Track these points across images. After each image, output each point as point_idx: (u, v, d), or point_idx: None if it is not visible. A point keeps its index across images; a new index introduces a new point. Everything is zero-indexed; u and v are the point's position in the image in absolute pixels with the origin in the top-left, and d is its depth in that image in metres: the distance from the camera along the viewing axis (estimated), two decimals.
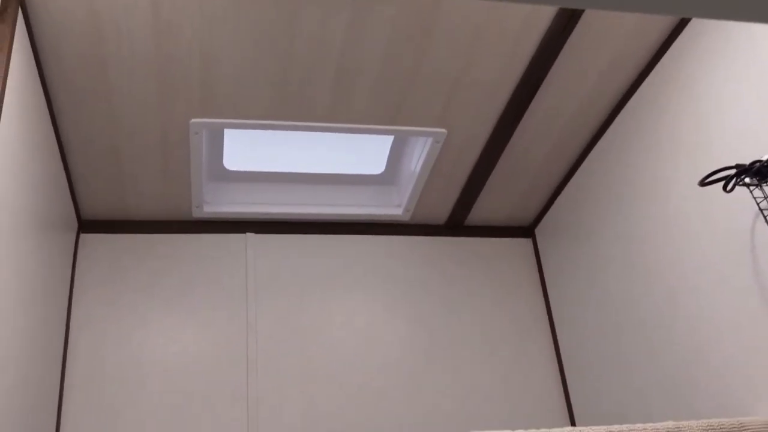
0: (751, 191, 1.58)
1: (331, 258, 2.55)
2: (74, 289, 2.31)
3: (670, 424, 1.36)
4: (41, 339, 1.92)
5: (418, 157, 2.37)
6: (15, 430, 1.64)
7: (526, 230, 2.79)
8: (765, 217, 1.56)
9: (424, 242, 2.67)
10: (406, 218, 2.62)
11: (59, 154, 2.07)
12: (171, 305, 2.36)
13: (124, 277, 2.37)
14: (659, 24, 1.94)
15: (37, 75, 1.80)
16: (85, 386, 2.18)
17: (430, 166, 2.34)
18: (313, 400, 2.30)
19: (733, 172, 1.58)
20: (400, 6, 1.80)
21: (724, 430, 1.36)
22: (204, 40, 1.82)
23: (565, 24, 1.85)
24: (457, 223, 2.69)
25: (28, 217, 1.75)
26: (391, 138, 2.44)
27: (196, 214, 2.45)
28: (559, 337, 2.55)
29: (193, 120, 2.06)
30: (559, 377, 2.52)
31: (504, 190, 2.55)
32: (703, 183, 1.61)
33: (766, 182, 1.55)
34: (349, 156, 2.54)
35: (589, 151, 2.34)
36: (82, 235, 2.41)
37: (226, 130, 2.26)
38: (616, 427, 1.34)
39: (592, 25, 1.92)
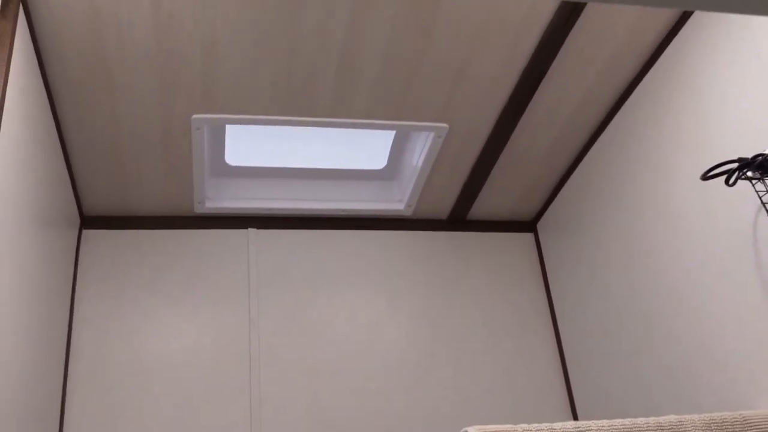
0: (753, 185, 1.58)
1: (334, 253, 2.55)
2: (77, 285, 2.31)
3: (673, 418, 1.36)
4: (44, 335, 1.92)
5: (420, 151, 2.37)
6: (19, 426, 1.65)
7: (528, 225, 2.79)
8: (767, 211, 1.55)
9: (426, 237, 2.67)
10: (408, 213, 2.62)
11: (61, 150, 2.07)
12: (173, 301, 2.36)
13: (127, 273, 2.37)
14: (661, 18, 1.94)
15: (39, 71, 1.80)
16: (88, 382, 2.19)
17: (432, 160, 2.34)
18: (316, 394, 2.30)
19: (735, 165, 1.57)
20: (402, 0, 1.79)
21: (726, 424, 1.37)
22: (205, 35, 1.82)
23: (566, 18, 1.85)
24: (459, 218, 2.69)
25: (30, 214, 1.75)
26: (392, 133, 2.44)
27: (198, 209, 2.46)
28: (561, 332, 2.55)
29: (195, 116, 2.06)
30: (561, 371, 2.52)
31: (506, 184, 2.55)
32: (705, 177, 1.61)
33: None
34: (350, 151, 2.54)
35: (591, 146, 2.34)
36: (85, 231, 2.41)
37: (227, 126, 2.26)
38: (618, 421, 1.34)
39: (593, 19, 1.92)
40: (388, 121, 2.18)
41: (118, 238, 2.43)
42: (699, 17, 1.86)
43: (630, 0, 0.53)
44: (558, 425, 1.30)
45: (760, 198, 1.57)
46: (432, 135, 2.25)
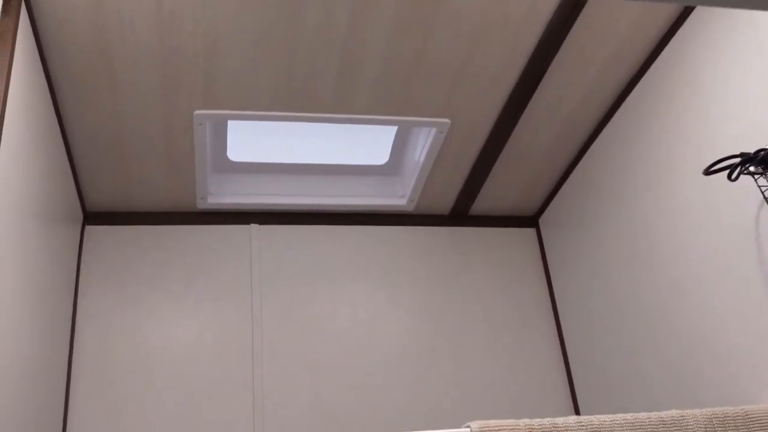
0: (755, 180, 1.58)
1: (335, 249, 2.56)
2: (80, 281, 2.32)
3: (675, 413, 1.36)
4: (47, 330, 1.93)
5: (421, 147, 2.37)
6: (23, 422, 1.65)
7: (530, 220, 2.79)
8: None
9: (428, 232, 2.67)
10: (410, 208, 2.62)
11: (64, 146, 2.08)
12: (176, 296, 2.37)
13: (129, 268, 2.38)
14: (662, 14, 1.93)
15: (41, 67, 1.80)
16: (91, 377, 2.19)
17: (434, 156, 2.34)
18: (318, 389, 2.31)
19: (737, 160, 1.57)
20: None
21: (728, 419, 1.37)
22: (207, 31, 1.82)
23: (567, 15, 1.85)
24: (461, 213, 2.69)
25: (33, 210, 1.76)
26: (394, 128, 2.44)
27: (201, 205, 2.46)
28: (563, 327, 2.56)
29: (197, 111, 2.06)
30: (563, 366, 2.53)
31: (508, 180, 2.55)
32: (708, 172, 1.61)
33: None
34: (352, 146, 2.54)
35: (593, 141, 2.34)
36: (87, 227, 2.41)
37: (229, 122, 2.26)
38: (620, 415, 1.34)
39: (594, 16, 1.91)
40: (389, 117, 2.18)
41: (120, 233, 2.43)
42: (700, 13, 1.85)
43: None
44: (560, 420, 1.31)
45: (762, 193, 1.57)
46: (434, 130, 2.25)
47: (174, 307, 2.35)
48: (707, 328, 1.80)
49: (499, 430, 1.26)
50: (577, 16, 1.87)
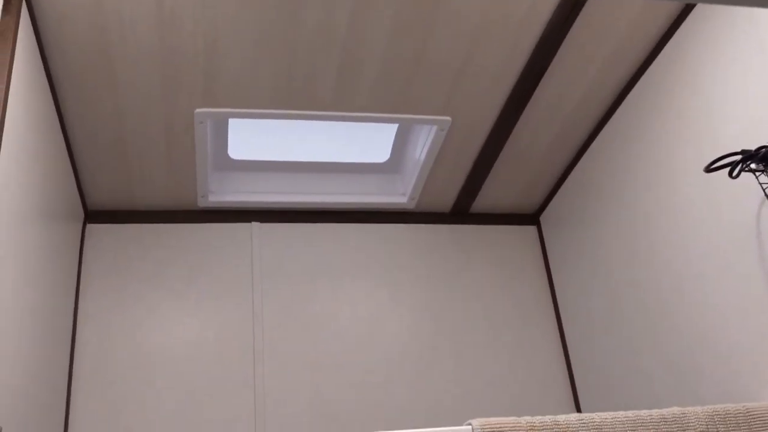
0: (757, 177, 1.58)
1: (336, 247, 2.56)
2: (81, 279, 2.32)
3: (676, 410, 1.36)
4: (49, 329, 1.93)
5: (422, 145, 2.37)
6: (25, 420, 1.66)
7: (530, 218, 2.79)
8: None
9: (428, 230, 2.67)
10: (411, 206, 2.62)
11: (65, 145, 2.08)
12: (177, 295, 2.37)
13: (131, 266, 2.38)
14: (662, 12, 1.93)
15: (42, 66, 1.80)
16: (92, 376, 2.20)
17: (435, 154, 2.34)
18: (319, 387, 2.31)
19: (738, 158, 1.57)
20: None
21: (729, 416, 1.37)
22: (207, 29, 1.82)
23: (567, 13, 1.85)
24: (461, 211, 2.69)
25: (34, 208, 1.76)
26: (395, 126, 2.44)
27: (202, 203, 2.46)
28: (564, 324, 2.56)
29: (198, 110, 2.06)
30: (564, 364, 2.53)
31: (509, 177, 2.55)
32: (709, 169, 1.61)
33: None
34: (353, 144, 2.54)
35: (594, 139, 2.34)
36: (89, 225, 2.42)
37: (230, 120, 2.26)
38: (621, 413, 1.34)
39: (594, 14, 1.91)
40: (390, 115, 2.18)
41: (121, 232, 2.43)
42: (701, 10, 1.85)
43: None
44: (561, 417, 1.31)
45: (763, 190, 1.57)
46: (435, 128, 2.25)
47: (175, 305, 2.35)
48: (708, 325, 1.80)
49: (501, 427, 1.26)
50: (577, 15, 1.87)
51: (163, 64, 1.90)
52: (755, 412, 1.39)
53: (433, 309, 2.53)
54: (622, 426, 1.31)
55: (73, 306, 2.24)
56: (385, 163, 2.58)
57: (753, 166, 1.56)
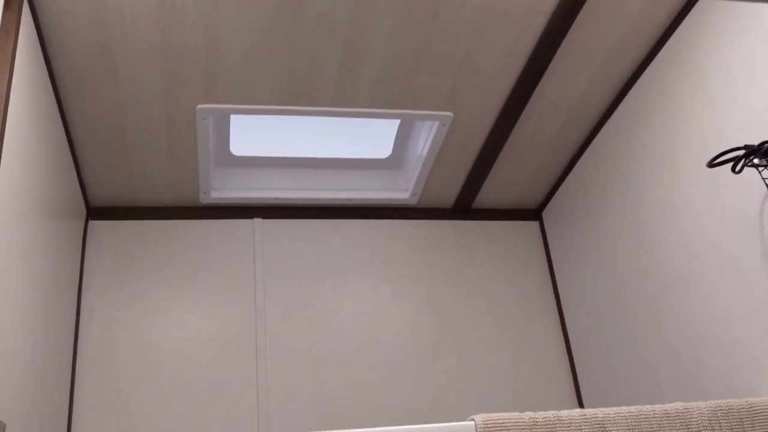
0: (759, 172, 1.58)
1: (339, 243, 2.56)
2: (83, 276, 2.32)
3: (679, 405, 1.36)
4: (52, 325, 1.93)
5: (424, 140, 2.37)
6: (28, 416, 1.66)
7: (533, 213, 2.79)
8: None
9: (431, 226, 2.67)
10: (413, 202, 2.62)
11: (66, 142, 2.08)
12: (180, 291, 2.37)
13: (133, 263, 2.38)
14: (666, 4, 1.93)
15: (44, 62, 1.80)
16: (95, 372, 2.20)
17: (437, 149, 2.34)
18: (322, 384, 2.31)
19: (741, 153, 1.57)
20: None
21: (732, 411, 1.37)
22: (209, 24, 1.82)
23: (571, 5, 1.84)
24: (464, 207, 2.69)
25: (37, 205, 1.76)
26: (397, 122, 2.43)
27: (204, 200, 2.46)
28: (566, 320, 2.56)
29: (200, 106, 2.06)
30: (567, 359, 2.53)
31: (511, 173, 2.55)
32: (712, 164, 1.61)
33: None
34: (355, 140, 2.54)
35: (596, 134, 2.34)
36: (91, 222, 2.42)
37: (232, 116, 2.26)
38: (624, 408, 1.34)
39: (597, 6, 1.91)
40: (392, 110, 2.18)
41: (123, 228, 2.43)
42: (705, 4, 1.85)
43: None
44: (564, 413, 1.31)
45: (766, 185, 1.56)
46: (437, 124, 2.25)
47: (177, 301, 2.36)
48: (711, 320, 1.79)
49: (504, 423, 1.26)
50: (581, 7, 1.86)
51: (164, 59, 1.89)
52: (758, 407, 1.39)
53: (435, 305, 2.53)
54: (624, 421, 1.31)
55: (75, 303, 2.24)
56: (387, 158, 2.58)
57: (756, 161, 1.56)
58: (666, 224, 1.97)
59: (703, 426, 1.33)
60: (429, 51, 1.98)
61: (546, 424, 1.28)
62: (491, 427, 1.25)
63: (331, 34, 1.89)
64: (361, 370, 2.36)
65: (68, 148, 2.10)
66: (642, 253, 2.09)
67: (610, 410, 1.33)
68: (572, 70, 2.11)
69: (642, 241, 2.09)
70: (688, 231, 1.88)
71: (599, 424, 1.30)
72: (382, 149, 2.55)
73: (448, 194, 2.62)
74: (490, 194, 2.66)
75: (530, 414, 1.30)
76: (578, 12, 1.87)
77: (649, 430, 1.31)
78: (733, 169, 1.57)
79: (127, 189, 2.38)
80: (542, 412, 1.30)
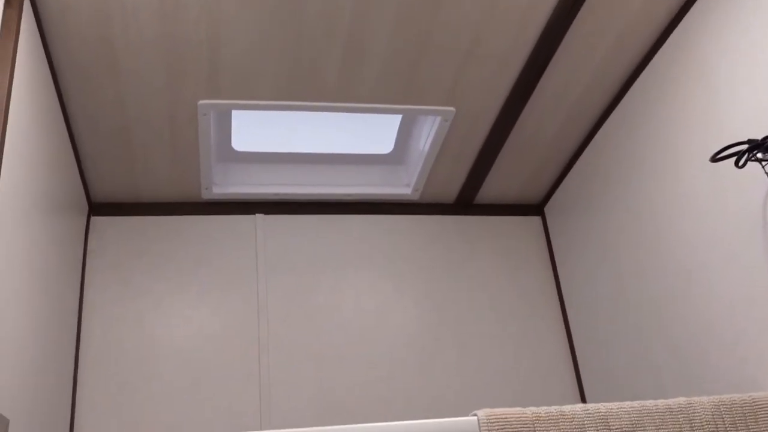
0: (763, 166, 1.57)
1: (341, 238, 2.56)
2: (86, 272, 2.33)
3: (682, 400, 1.36)
4: (54, 321, 1.93)
5: (426, 135, 2.36)
6: (31, 412, 1.66)
7: (535, 208, 2.78)
8: None
9: (433, 221, 2.67)
10: (415, 197, 2.61)
11: (68, 137, 2.08)
12: (182, 287, 2.37)
13: (135, 259, 2.38)
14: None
15: (45, 58, 1.80)
16: (98, 367, 2.20)
17: (439, 144, 2.33)
18: (324, 379, 2.32)
19: (745, 147, 1.56)
20: None
21: (735, 406, 1.37)
22: (210, 20, 1.81)
23: (573, 1, 1.84)
24: (466, 202, 2.69)
25: (39, 201, 1.76)
26: (399, 117, 2.43)
27: (206, 195, 2.46)
28: (569, 315, 2.55)
29: (201, 101, 2.06)
30: (569, 354, 2.53)
31: (513, 168, 2.54)
32: (715, 159, 1.60)
33: None
34: (357, 135, 2.53)
35: (599, 128, 2.33)
36: (93, 218, 2.42)
37: (233, 111, 2.26)
38: (627, 403, 1.34)
39: (599, 2, 1.90)
40: (394, 105, 2.18)
41: (125, 224, 2.44)
42: None
43: None
44: (567, 408, 1.31)
45: None
46: (439, 119, 2.24)
47: (180, 297, 2.36)
48: (714, 315, 1.79)
49: (506, 418, 1.26)
50: (583, 1, 1.85)
51: (166, 54, 1.89)
52: (761, 402, 1.39)
53: (437, 300, 2.53)
54: (627, 416, 1.31)
55: (78, 299, 2.25)
56: (389, 154, 2.58)
57: (759, 155, 1.56)
58: (669, 219, 1.97)
59: (706, 421, 1.33)
60: (431, 46, 1.98)
61: (549, 419, 1.28)
62: (494, 422, 1.25)
63: (332, 29, 1.88)
64: (363, 366, 2.36)
65: (70, 144, 2.10)
66: (645, 248, 2.08)
67: (613, 405, 1.33)
68: (575, 64, 2.10)
69: (645, 235, 2.08)
70: (691, 226, 1.88)
71: (602, 419, 1.30)
72: (384, 144, 2.55)
73: (450, 189, 2.62)
74: (492, 189, 2.65)
75: (533, 409, 1.29)
76: (580, 6, 1.87)
77: (651, 424, 1.31)
78: (736, 163, 1.56)
79: (129, 185, 2.38)
80: (545, 407, 1.30)
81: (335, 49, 1.95)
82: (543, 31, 1.95)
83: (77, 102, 2.01)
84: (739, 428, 1.33)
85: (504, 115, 2.23)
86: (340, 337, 2.39)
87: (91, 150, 2.20)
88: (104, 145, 2.19)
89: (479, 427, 1.25)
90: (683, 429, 1.31)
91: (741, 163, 1.56)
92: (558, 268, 2.64)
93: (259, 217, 2.53)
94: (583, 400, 2.44)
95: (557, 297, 2.62)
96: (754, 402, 1.38)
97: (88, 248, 2.36)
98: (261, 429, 2.22)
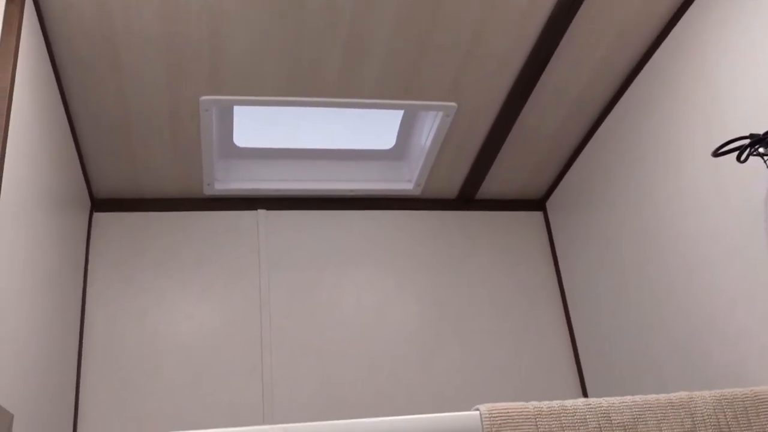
0: (765, 161, 1.57)
1: (343, 233, 2.56)
2: (88, 268, 2.33)
3: (683, 394, 1.36)
4: (58, 318, 1.94)
5: (428, 131, 2.36)
6: (35, 408, 1.67)
7: (537, 203, 2.78)
8: None
9: (435, 216, 2.67)
10: (417, 193, 2.62)
11: (71, 134, 2.08)
12: (184, 283, 2.38)
13: (138, 255, 2.39)
14: None
15: (47, 54, 1.80)
16: (101, 363, 2.21)
17: (441, 140, 2.33)
18: (326, 374, 2.32)
19: (746, 141, 1.56)
20: None
21: (737, 400, 1.37)
22: (212, 16, 1.81)
23: None
24: (468, 197, 2.69)
25: (41, 197, 1.76)
26: (401, 112, 2.43)
27: (208, 191, 2.46)
28: (570, 310, 2.56)
29: (203, 97, 2.06)
30: (571, 349, 2.53)
31: (515, 163, 2.54)
32: (717, 153, 1.60)
33: None
34: (359, 131, 2.53)
35: (601, 124, 2.33)
36: (95, 214, 2.42)
37: (235, 107, 2.26)
38: (628, 398, 1.34)
39: None
40: (396, 101, 2.18)
41: (128, 220, 2.44)
42: None
43: None
44: (569, 402, 1.31)
45: None
46: (440, 114, 2.24)
47: (182, 293, 2.36)
48: (716, 309, 1.79)
49: (509, 413, 1.27)
50: None
51: (167, 51, 1.89)
52: (763, 397, 1.39)
53: (439, 295, 2.53)
54: (629, 410, 1.31)
55: (80, 295, 2.25)
56: (390, 149, 2.58)
57: (761, 150, 1.56)
58: (670, 214, 1.97)
59: (707, 415, 1.33)
60: (432, 41, 1.98)
61: (551, 414, 1.28)
62: (496, 417, 1.26)
63: (334, 25, 1.88)
64: (365, 361, 2.37)
65: (72, 140, 2.10)
66: (646, 243, 2.09)
67: (615, 399, 1.33)
68: (576, 60, 2.10)
69: (646, 230, 2.09)
70: (692, 221, 1.88)
71: (604, 413, 1.30)
72: (386, 140, 2.55)
73: (451, 185, 2.62)
74: (493, 185, 2.65)
75: (535, 403, 1.30)
76: (581, 2, 1.86)
77: (653, 419, 1.31)
78: (738, 158, 1.56)
79: (132, 181, 2.38)
80: (547, 402, 1.31)
81: (337, 44, 1.95)
82: (544, 26, 1.95)
83: (79, 98, 2.01)
84: (741, 422, 1.34)
85: (505, 111, 2.23)
86: (342, 333, 2.40)
87: (93, 146, 2.20)
88: (106, 142, 2.19)
89: (481, 421, 1.25)
90: (685, 423, 1.31)
91: (743, 157, 1.56)
92: (559, 263, 2.64)
93: (261, 212, 2.53)
94: (585, 394, 2.44)
95: (559, 292, 2.62)
96: (755, 396, 1.38)
97: (91, 244, 2.37)
98: (263, 424, 2.22)
